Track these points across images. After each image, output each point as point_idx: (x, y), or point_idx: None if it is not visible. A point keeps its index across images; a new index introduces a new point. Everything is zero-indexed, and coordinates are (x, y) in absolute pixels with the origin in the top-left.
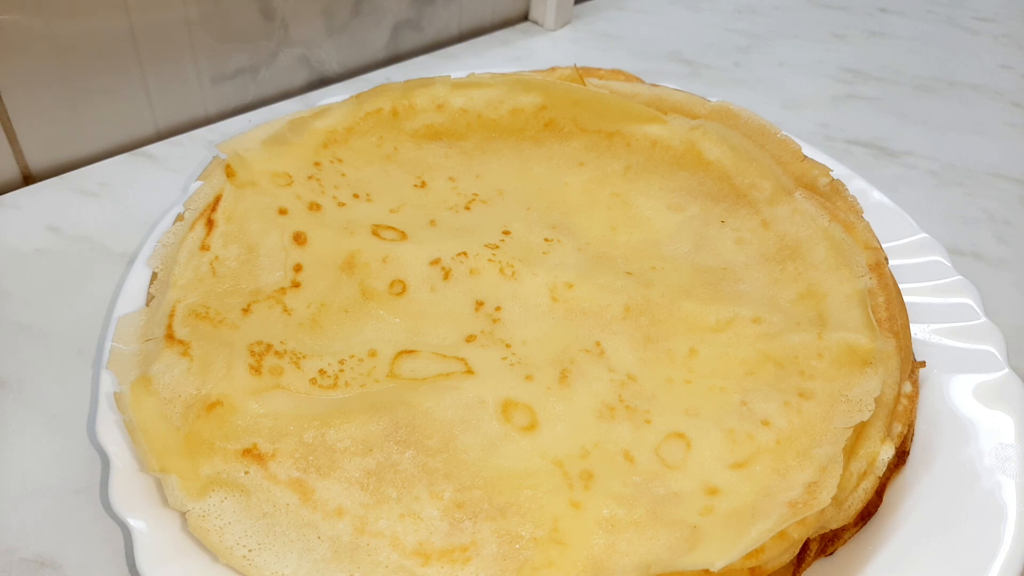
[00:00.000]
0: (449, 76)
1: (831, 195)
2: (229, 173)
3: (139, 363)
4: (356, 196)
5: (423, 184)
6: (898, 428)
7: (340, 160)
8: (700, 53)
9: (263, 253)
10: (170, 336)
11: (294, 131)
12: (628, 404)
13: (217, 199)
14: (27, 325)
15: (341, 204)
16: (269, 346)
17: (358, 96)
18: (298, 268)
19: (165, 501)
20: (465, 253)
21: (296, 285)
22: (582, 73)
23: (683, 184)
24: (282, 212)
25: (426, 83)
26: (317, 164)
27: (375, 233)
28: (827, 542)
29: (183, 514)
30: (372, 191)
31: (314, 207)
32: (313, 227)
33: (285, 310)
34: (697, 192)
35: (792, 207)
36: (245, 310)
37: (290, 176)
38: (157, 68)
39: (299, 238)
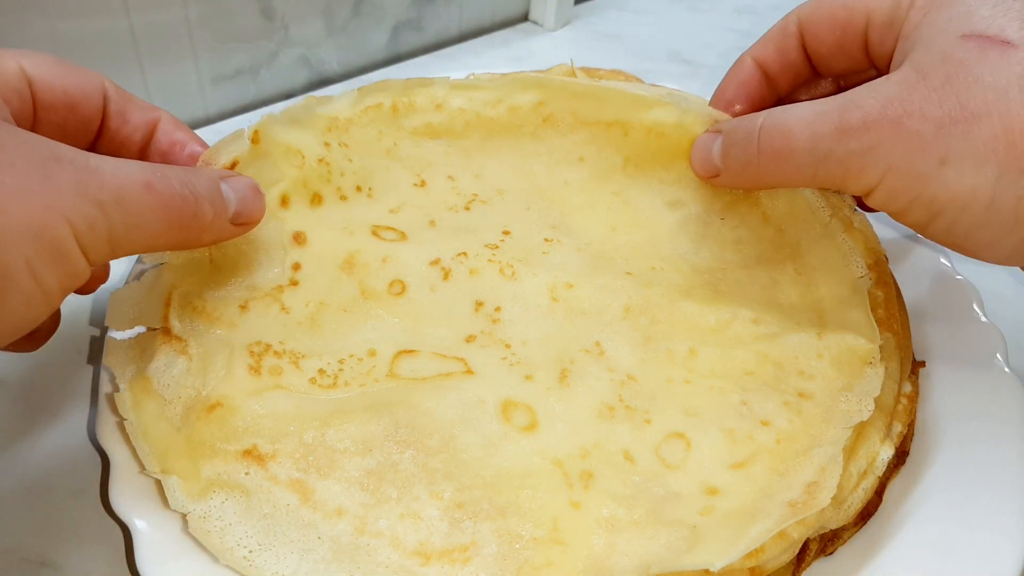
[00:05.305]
0: (448, 77)
1: (831, 194)
2: (255, 139)
3: (135, 356)
4: (359, 189)
5: (423, 183)
6: (898, 428)
7: (346, 145)
8: (700, 53)
9: (262, 248)
10: (166, 330)
11: (305, 111)
12: (628, 404)
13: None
14: None
15: (343, 197)
16: (268, 346)
17: (360, 89)
18: (297, 267)
19: (166, 501)
20: (465, 253)
21: (294, 283)
22: (581, 73)
23: (682, 175)
24: (284, 203)
25: (426, 83)
26: (327, 144)
27: (375, 234)
28: (827, 542)
29: (184, 515)
30: (375, 185)
31: (316, 200)
32: (313, 226)
33: (283, 308)
34: (696, 183)
35: (792, 199)
36: (243, 307)
37: (303, 155)
38: (157, 68)
39: (299, 238)
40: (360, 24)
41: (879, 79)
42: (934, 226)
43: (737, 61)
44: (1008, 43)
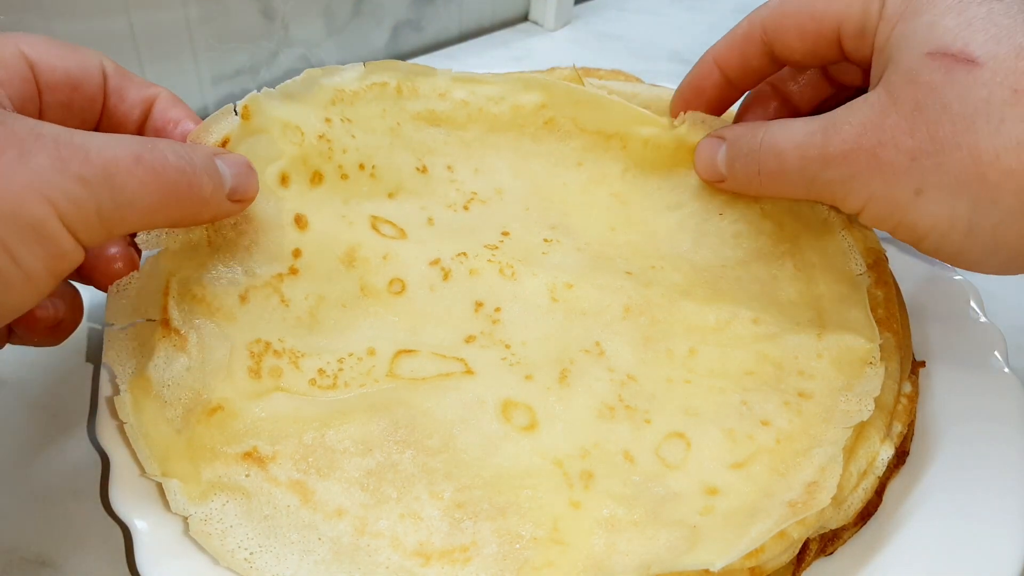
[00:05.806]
0: (451, 70)
1: None
2: (245, 115)
3: (135, 349)
4: (362, 167)
5: (424, 169)
6: (898, 428)
7: (350, 120)
8: (700, 53)
9: (261, 228)
10: (166, 323)
11: (305, 85)
12: (628, 404)
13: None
14: None
15: (344, 176)
16: (268, 344)
17: (368, 64)
18: (297, 253)
19: (166, 502)
20: (465, 253)
21: (294, 272)
22: (582, 73)
23: (681, 181)
24: (283, 182)
25: (429, 72)
26: (328, 120)
27: (374, 227)
28: (827, 542)
29: (185, 518)
30: (378, 163)
31: (316, 178)
32: (314, 209)
33: (283, 300)
34: (695, 186)
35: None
36: (242, 297)
37: (302, 132)
38: (157, 68)
39: (300, 221)
40: (360, 24)
41: (858, 100)
42: (923, 246)
43: (700, 61)
44: (973, 61)
